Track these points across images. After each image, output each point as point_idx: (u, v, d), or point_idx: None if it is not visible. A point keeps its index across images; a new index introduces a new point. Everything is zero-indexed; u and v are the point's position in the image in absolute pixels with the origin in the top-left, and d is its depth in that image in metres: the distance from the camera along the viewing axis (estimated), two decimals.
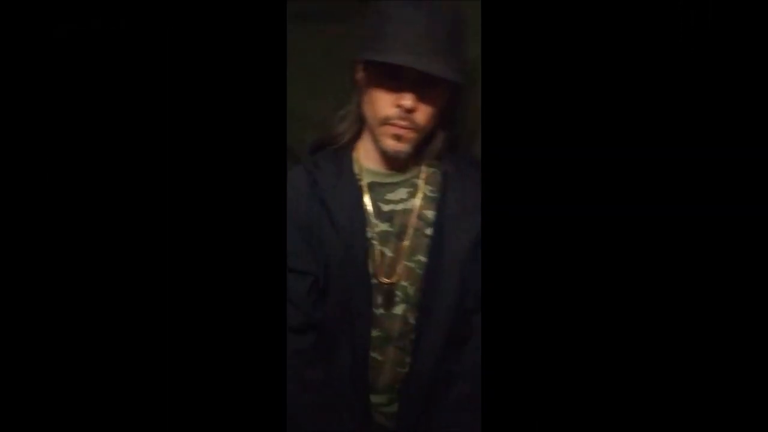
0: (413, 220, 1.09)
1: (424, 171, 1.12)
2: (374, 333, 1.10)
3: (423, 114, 1.04)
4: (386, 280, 1.09)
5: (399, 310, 1.10)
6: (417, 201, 1.11)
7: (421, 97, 1.02)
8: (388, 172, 1.11)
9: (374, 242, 1.09)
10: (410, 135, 1.05)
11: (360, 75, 1.07)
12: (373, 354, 1.11)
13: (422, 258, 1.09)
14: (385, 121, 1.04)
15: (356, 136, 1.13)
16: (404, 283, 1.10)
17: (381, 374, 1.12)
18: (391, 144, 1.06)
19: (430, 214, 1.11)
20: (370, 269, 1.08)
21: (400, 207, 1.11)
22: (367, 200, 1.10)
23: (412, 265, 1.10)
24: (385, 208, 1.10)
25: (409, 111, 1.02)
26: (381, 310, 1.10)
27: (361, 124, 1.12)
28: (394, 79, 1.00)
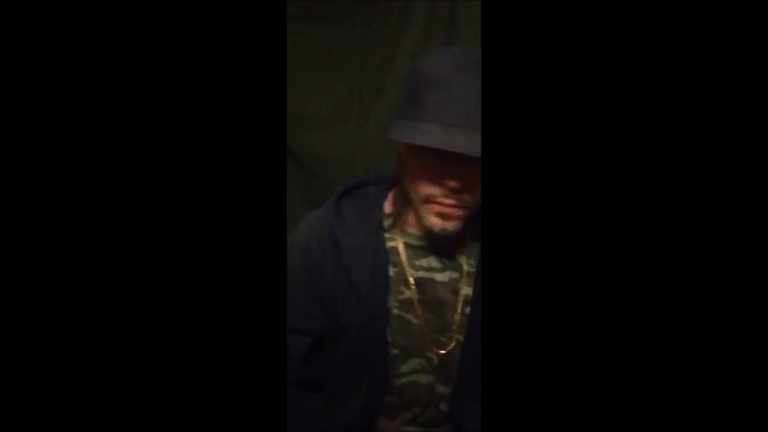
0: (450, 295, 0.98)
1: (468, 248, 1.00)
2: (391, 399, 1.01)
3: (471, 193, 0.91)
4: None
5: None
6: (455, 274, 0.99)
7: (469, 175, 0.89)
8: (428, 246, 0.99)
9: (396, 312, 0.98)
10: (458, 213, 0.92)
11: (401, 148, 0.95)
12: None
13: (459, 337, 0.98)
14: (430, 199, 0.92)
15: (397, 205, 1.00)
16: (431, 356, 0.99)
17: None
18: (436, 222, 0.93)
19: (466, 289, 0.99)
20: (392, 340, 0.98)
21: (429, 275, 0.99)
22: (397, 262, 0.98)
23: (447, 341, 0.99)
24: (416, 274, 0.99)
25: (456, 191, 0.90)
26: (403, 380, 0.99)
27: (404, 200, 0.98)
28: (438, 158, 0.87)
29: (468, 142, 0.84)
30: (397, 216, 0.99)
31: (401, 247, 0.98)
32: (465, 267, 0.99)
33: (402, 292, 0.98)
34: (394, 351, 0.97)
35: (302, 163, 1.50)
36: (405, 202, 0.98)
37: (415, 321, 0.97)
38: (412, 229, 0.99)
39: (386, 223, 1.00)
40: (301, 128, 1.47)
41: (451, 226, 0.92)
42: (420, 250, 0.99)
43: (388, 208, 1.01)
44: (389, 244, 0.99)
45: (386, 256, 0.98)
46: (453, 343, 0.98)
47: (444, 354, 0.98)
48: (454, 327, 0.98)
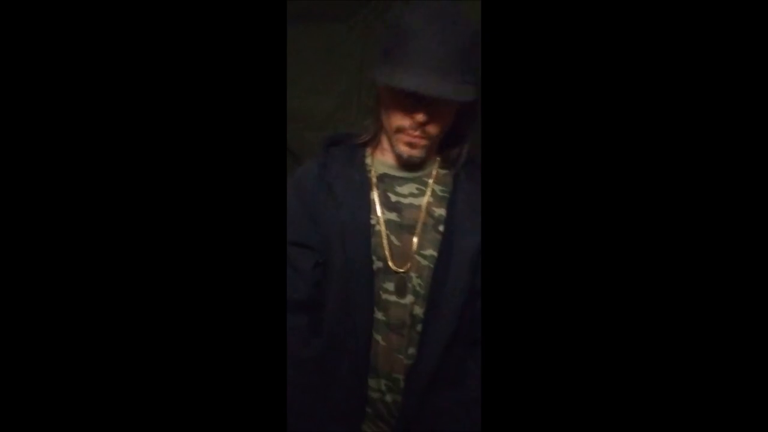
0: (422, 215, 1.15)
1: (435, 171, 1.19)
2: (378, 316, 1.14)
3: (435, 127, 1.12)
4: (399, 269, 1.13)
5: (407, 300, 1.14)
6: (426, 198, 1.17)
7: (434, 112, 1.10)
8: (400, 169, 1.18)
9: (379, 229, 1.14)
10: (422, 143, 1.13)
11: (381, 89, 1.14)
12: (376, 336, 1.14)
13: (433, 252, 1.14)
14: (399, 130, 1.12)
15: (374, 138, 1.20)
16: (413, 275, 1.14)
17: (380, 358, 1.14)
18: (404, 149, 1.13)
19: (439, 211, 1.16)
20: (377, 255, 1.13)
21: (408, 201, 1.16)
22: (375, 189, 1.16)
23: (421, 259, 1.14)
24: (393, 198, 1.16)
25: (423, 124, 1.10)
26: (392, 297, 1.14)
27: (378, 129, 1.19)
28: (409, 97, 1.07)
29: (437, 84, 1.04)
30: (374, 146, 1.20)
31: (380, 176, 1.18)
32: (438, 192, 1.18)
33: (384, 213, 1.15)
34: (378, 264, 1.14)
35: (302, 163, 1.50)
36: (381, 134, 1.19)
37: (397, 243, 1.14)
38: (387, 158, 1.19)
39: (368, 158, 1.20)
40: (301, 128, 1.47)
41: (417, 153, 1.14)
42: (398, 180, 1.18)
43: (369, 151, 1.21)
44: (370, 175, 1.18)
45: (368, 180, 1.17)
46: (429, 251, 1.15)
47: (422, 261, 1.15)
48: (429, 246, 1.15)
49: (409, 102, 1.08)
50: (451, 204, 1.16)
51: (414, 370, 1.14)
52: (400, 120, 1.11)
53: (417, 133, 1.11)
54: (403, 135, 1.12)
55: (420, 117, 1.08)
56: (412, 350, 1.14)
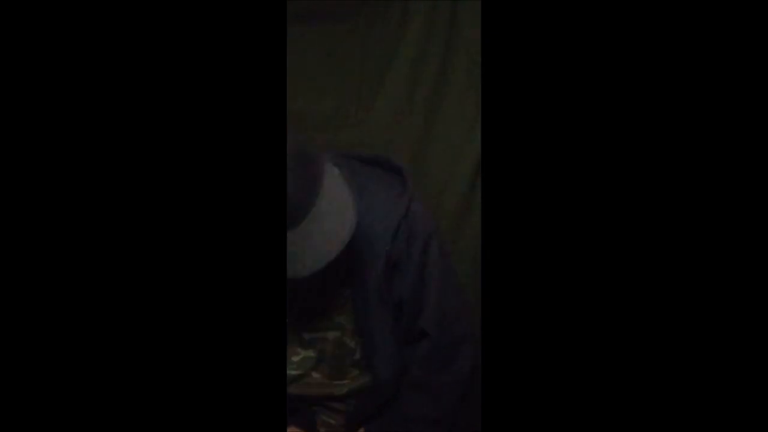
0: None
1: None
2: (305, 354, 1.13)
3: None
4: (310, 335, 1.12)
5: (331, 336, 1.13)
6: None
7: None
8: None
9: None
10: None
11: None
12: (315, 375, 1.14)
13: (346, 290, 1.12)
14: None
15: None
16: (332, 315, 1.13)
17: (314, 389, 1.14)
18: None
19: None
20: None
21: None
22: None
23: (337, 298, 1.12)
24: None
25: None
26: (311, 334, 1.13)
27: None
28: None
29: None
30: None
31: None
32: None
33: None
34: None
35: None
36: None
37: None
38: None
39: None
40: (301, 128, 1.47)
41: None
42: None
43: None
44: None
45: None
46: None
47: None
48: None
49: None
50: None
51: (365, 389, 1.14)
52: None
53: None
54: None
55: None
56: (354, 372, 1.14)
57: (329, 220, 0.94)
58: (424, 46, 1.45)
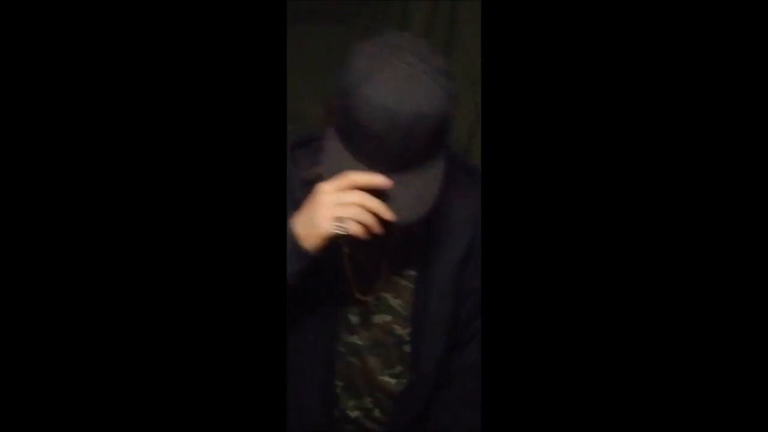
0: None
1: None
2: (351, 339, 1.08)
3: None
4: (362, 297, 1.05)
5: (379, 319, 1.08)
6: None
7: None
8: None
9: (346, 250, 1.04)
10: None
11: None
12: (352, 359, 1.09)
13: (412, 272, 1.06)
14: None
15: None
16: (387, 295, 1.07)
17: (360, 379, 1.10)
18: None
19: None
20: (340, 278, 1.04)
21: None
22: None
23: (398, 278, 1.07)
24: None
25: None
26: (358, 318, 1.08)
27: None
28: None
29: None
30: None
31: None
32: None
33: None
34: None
35: None
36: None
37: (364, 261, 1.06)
38: None
39: None
40: (301, 128, 1.47)
41: None
42: None
43: None
44: None
45: None
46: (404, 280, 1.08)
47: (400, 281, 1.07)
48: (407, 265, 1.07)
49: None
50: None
51: (408, 387, 1.09)
52: None
53: None
54: None
55: None
56: (399, 368, 1.09)
57: (424, 182, 0.93)
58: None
